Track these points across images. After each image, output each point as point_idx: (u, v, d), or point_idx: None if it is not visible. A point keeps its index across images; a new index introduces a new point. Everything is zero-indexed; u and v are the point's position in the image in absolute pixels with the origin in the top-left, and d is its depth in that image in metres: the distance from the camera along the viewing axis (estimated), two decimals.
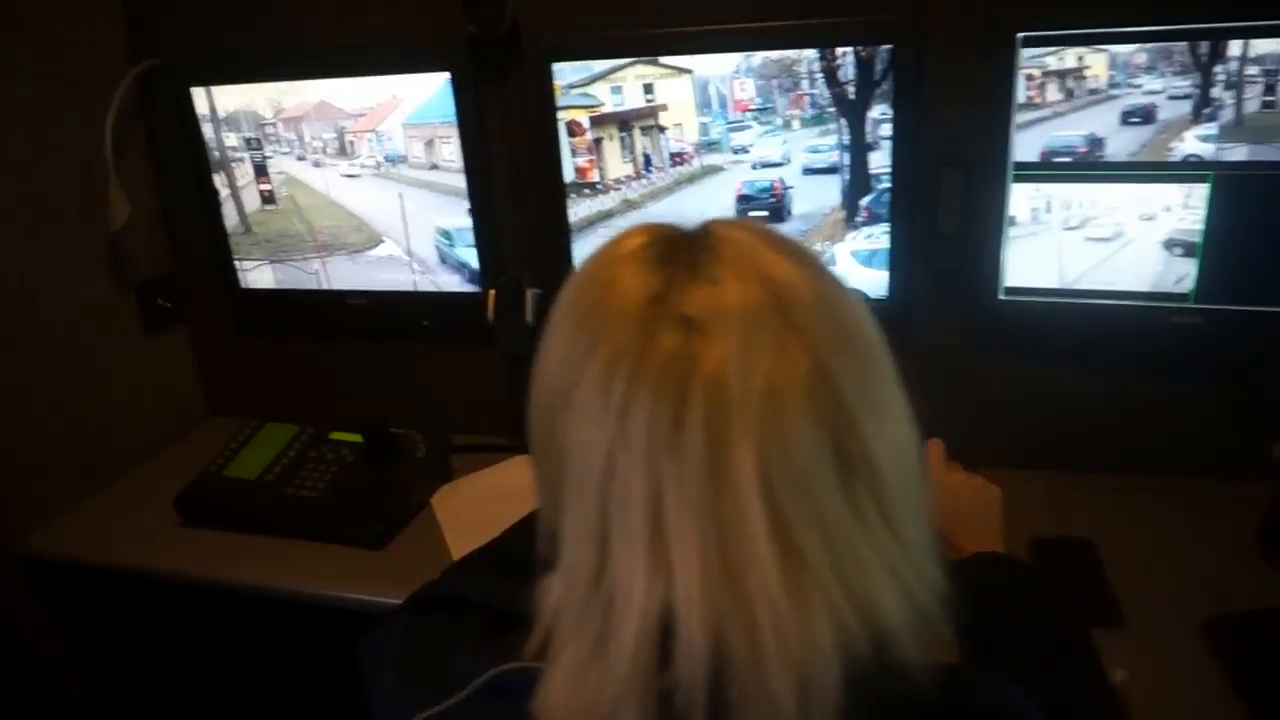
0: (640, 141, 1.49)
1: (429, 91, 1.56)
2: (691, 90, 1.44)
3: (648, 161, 1.50)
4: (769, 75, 1.41)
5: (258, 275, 1.78)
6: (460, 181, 1.59)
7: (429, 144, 1.59)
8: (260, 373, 1.88)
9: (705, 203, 1.49)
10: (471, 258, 1.63)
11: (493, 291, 1.57)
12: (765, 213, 1.47)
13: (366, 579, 1.41)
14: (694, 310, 0.55)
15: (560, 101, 1.48)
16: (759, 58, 1.39)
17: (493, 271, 1.61)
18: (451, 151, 1.58)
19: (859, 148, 1.43)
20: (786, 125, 1.43)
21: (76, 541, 1.58)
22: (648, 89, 1.45)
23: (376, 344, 1.78)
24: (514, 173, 1.58)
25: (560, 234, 1.56)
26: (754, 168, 1.46)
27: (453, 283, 1.66)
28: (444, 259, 1.65)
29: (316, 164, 1.67)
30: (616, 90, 1.47)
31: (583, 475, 0.55)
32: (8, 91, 1.51)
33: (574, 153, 1.52)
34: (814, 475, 0.53)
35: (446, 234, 1.65)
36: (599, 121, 1.49)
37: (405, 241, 1.67)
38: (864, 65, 1.38)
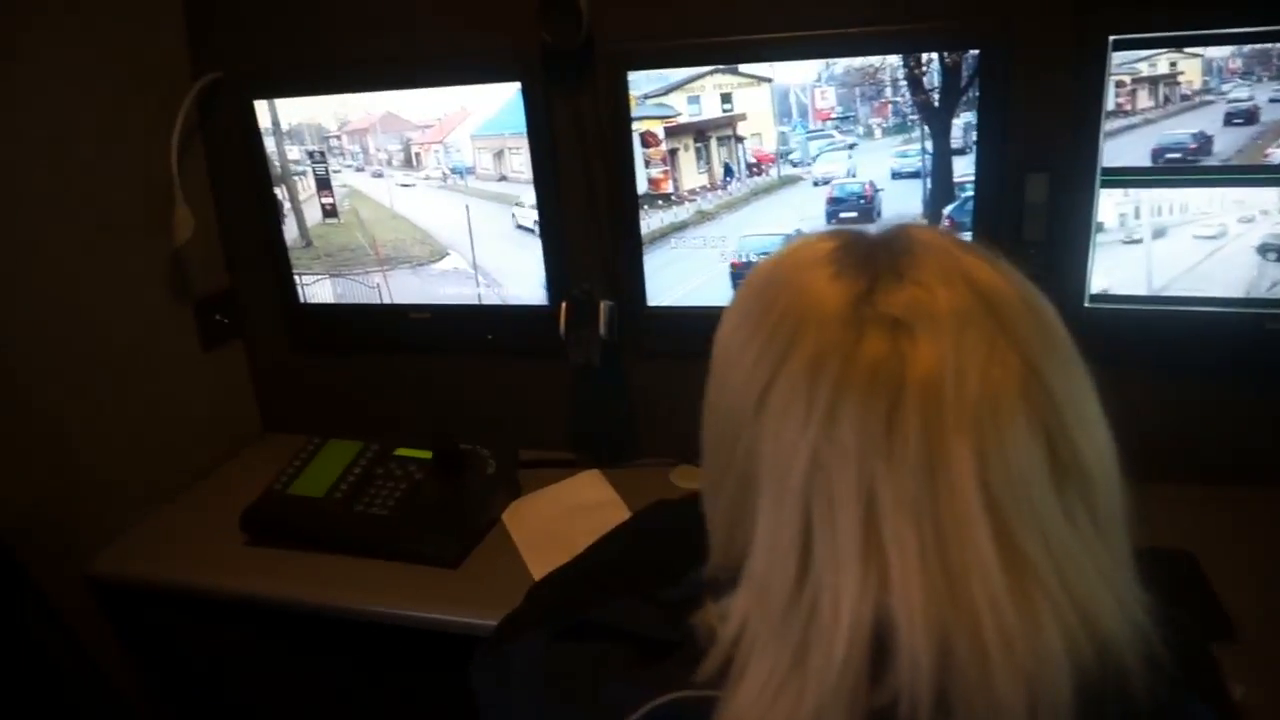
0: (717, 152, 1.48)
1: (498, 102, 1.56)
2: (771, 99, 1.43)
3: (728, 171, 1.50)
4: (851, 83, 1.40)
5: (317, 289, 1.78)
6: (529, 193, 1.59)
7: (498, 155, 1.60)
8: (317, 388, 1.87)
9: (784, 214, 1.49)
10: None
11: (565, 304, 1.56)
12: (855, 214, 1.47)
13: (443, 598, 1.40)
14: (901, 312, 0.55)
15: (634, 112, 1.48)
16: (841, 65, 1.39)
17: (560, 284, 1.61)
18: (521, 163, 1.58)
19: (943, 155, 1.43)
20: (868, 133, 1.42)
21: (142, 562, 1.57)
22: (725, 98, 1.45)
23: (438, 358, 1.77)
24: (585, 184, 1.57)
25: (632, 246, 1.56)
26: (815, 184, 1.46)
27: (519, 295, 1.66)
28: None
29: (380, 176, 1.67)
30: (694, 100, 1.46)
31: (782, 479, 0.55)
32: (73, 105, 1.52)
33: (648, 164, 1.51)
34: (1031, 478, 0.53)
35: None
36: (674, 132, 1.49)
37: (471, 254, 1.67)
38: (950, 71, 1.38)
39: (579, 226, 1.60)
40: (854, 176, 1.45)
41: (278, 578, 1.49)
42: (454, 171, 1.63)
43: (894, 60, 1.37)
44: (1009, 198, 1.42)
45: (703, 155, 1.49)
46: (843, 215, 1.47)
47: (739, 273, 1.53)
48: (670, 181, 1.52)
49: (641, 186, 1.53)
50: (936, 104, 1.39)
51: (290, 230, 1.75)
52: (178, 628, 1.66)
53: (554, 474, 1.66)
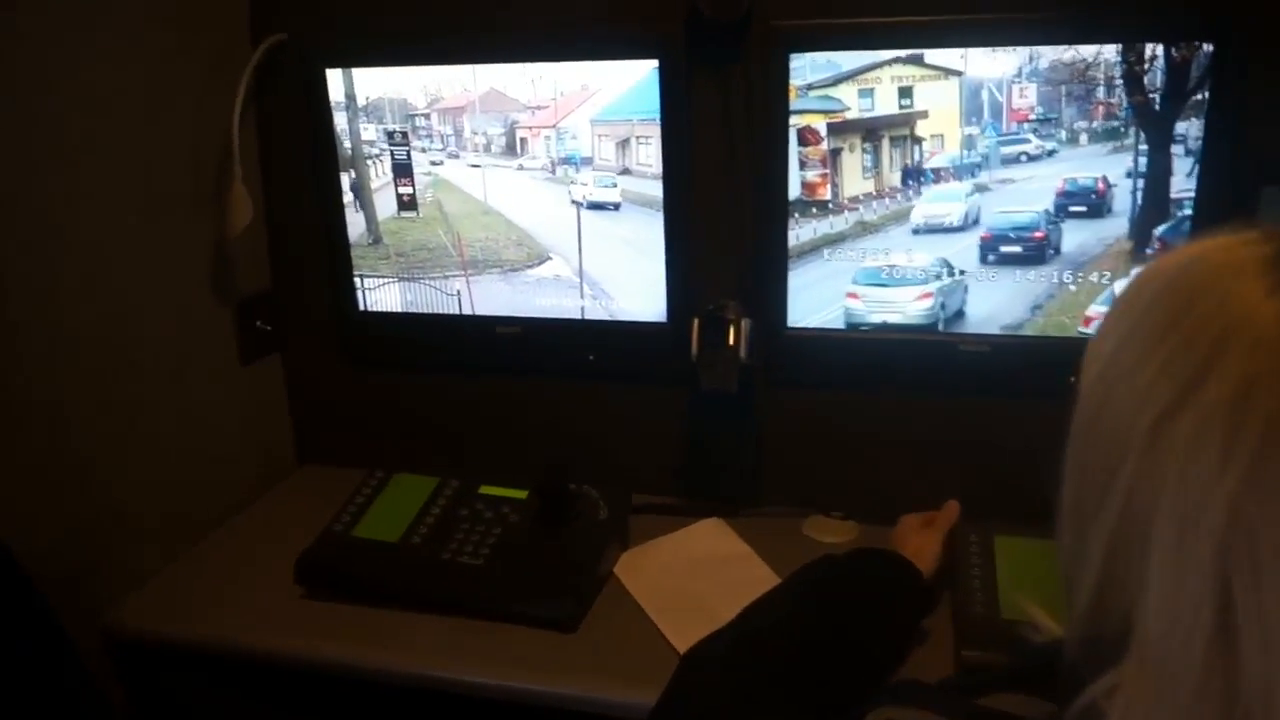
0: (889, 154, 1.39)
1: (628, 82, 1.45)
2: (958, 96, 1.33)
3: (907, 176, 1.39)
4: (1057, 80, 1.30)
5: (382, 295, 1.65)
6: (656, 189, 1.48)
7: (622, 144, 1.48)
8: (372, 413, 1.76)
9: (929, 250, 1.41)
10: None
11: (698, 320, 1.45)
12: (1084, 208, 1.36)
13: (560, 666, 1.24)
14: None
15: (794, 104, 1.38)
16: (1046, 59, 1.29)
17: (682, 298, 1.51)
18: (650, 154, 1.47)
19: (1159, 167, 1.31)
20: (1072, 139, 1.32)
21: (173, 616, 1.38)
22: (904, 93, 1.35)
23: (527, 381, 1.67)
24: (726, 182, 1.48)
25: (776, 257, 1.46)
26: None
27: (632, 309, 1.55)
28: None
29: (475, 164, 1.56)
30: (866, 93, 1.37)
31: (1185, 533, 0.51)
32: (114, 67, 1.34)
33: (803, 165, 1.41)
34: None
35: None
36: (839, 130, 1.39)
37: (577, 259, 1.55)
38: (1176, 69, 1.28)
39: (714, 232, 1.51)
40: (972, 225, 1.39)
41: (349, 640, 1.31)
42: (566, 161, 1.52)
43: (1110, 54, 1.28)
44: (1238, 216, 1.31)
45: (871, 157, 1.40)
46: (1072, 209, 1.36)
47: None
48: (829, 186, 1.42)
49: (794, 191, 1.42)
50: (1157, 107, 1.29)
51: (356, 224, 1.62)
52: (216, 697, 1.47)
53: (665, 522, 1.56)
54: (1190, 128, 1.29)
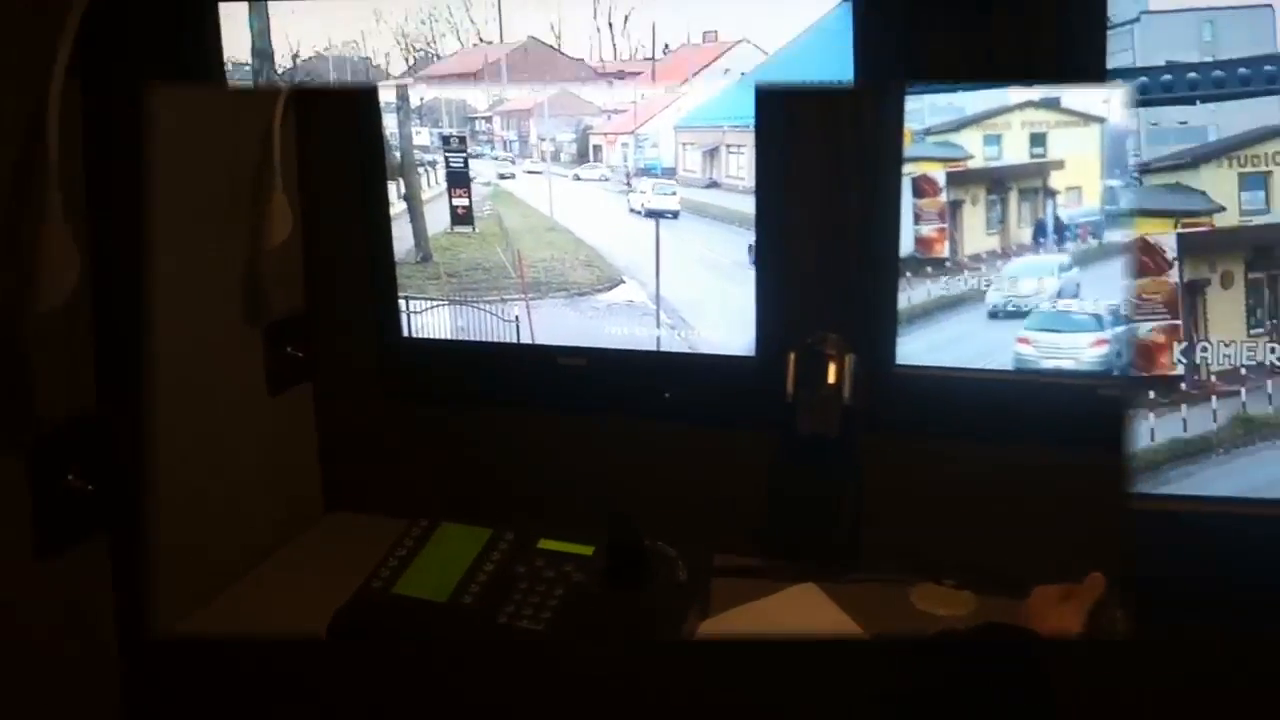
0: (1017, 208, 1.39)
1: (790, 29, 1.41)
2: (1099, 144, 1.33)
3: (1040, 231, 1.38)
4: None
5: (430, 320, 1.68)
6: (748, 205, 1.49)
7: (710, 154, 1.51)
8: (413, 453, 1.77)
9: (1104, 292, 1.35)
10: None
11: (794, 354, 1.48)
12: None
13: None
14: None
15: (909, 151, 1.40)
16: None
17: (775, 329, 1.53)
18: (742, 166, 1.49)
19: None
20: None
21: (199, 679, 1.39)
22: (1037, 140, 1.36)
23: (593, 420, 1.68)
24: (827, 197, 1.50)
25: (885, 282, 1.47)
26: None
27: (716, 341, 1.56)
28: None
29: (541, 174, 1.59)
30: (992, 140, 1.37)
31: None
32: None
33: (918, 218, 1.42)
34: None
35: None
36: (961, 180, 1.40)
37: (654, 283, 1.57)
38: None
39: (811, 254, 1.53)
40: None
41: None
42: (644, 172, 1.55)
43: None
44: None
45: (997, 211, 1.40)
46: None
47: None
48: (946, 243, 1.42)
49: (906, 246, 1.43)
50: None
51: (403, 238, 1.65)
52: None
53: (752, 586, 1.54)
54: None
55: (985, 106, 1.35)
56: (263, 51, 1.35)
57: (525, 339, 1.64)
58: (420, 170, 1.61)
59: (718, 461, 1.64)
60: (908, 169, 1.39)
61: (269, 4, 1.22)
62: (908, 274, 1.43)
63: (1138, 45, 1.05)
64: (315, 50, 1.39)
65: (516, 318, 1.64)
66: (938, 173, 1.39)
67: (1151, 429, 1.11)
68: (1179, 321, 1.10)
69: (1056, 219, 1.36)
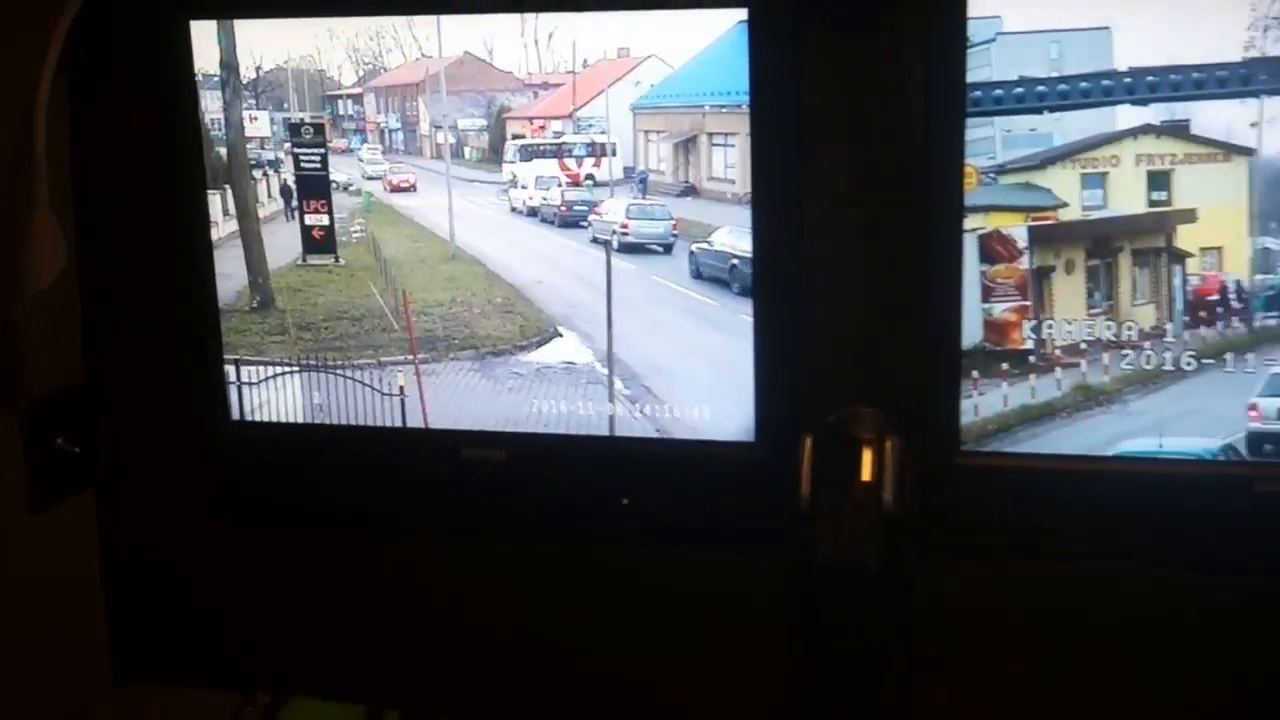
0: (1132, 277, 1.39)
1: (694, 47, 1.45)
2: (1247, 186, 1.33)
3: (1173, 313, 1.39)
4: None
5: (273, 394, 1.65)
6: (742, 216, 1.46)
7: (684, 147, 1.50)
8: (247, 596, 1.74)
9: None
10: None
11: (809, 440, 1.42)
12: None
13: None
14: None
15: (975, 198, 1.40)
16: None
17: (784, 401, 1.49)
18: (732, 163, 1.47)
19: None
20: None
21: None
22: (1157, 181, 1.36)
23: (514, 543, 1.66)
24: (859, 211, 1.48)
25: (946, 329, 1.45)
26: None
27: (697, 420, 1.51)
28: None
29: (434, 179, 1.59)
30: (1094, 181, 1.38)
31: None
32: None
33: (989, 293, 1.43)
34: None
35: None
36: (1048, 237, 1.41)
37: (605, 336, 1.55)
38: None
39: (836, 296, 1.51)
40: None
41: None
42: (589, 177, 1.56)
43: None
44: None
45: (1101, 282, 1.41)
46: None
47: None
48: (1028, 328, 1.43)
49: (972, 334, 1.43)
50: None
51: (231, 275, 1.63)
52: None
53: None
54: None
55: (1083, 133, 1.38)
56: (229, 64, 1.56)
57: (415, 421, 1.63)
58: (256, 173, 1.60)
59: (704, 600, 1.61)
60: (974, 224, 1.42)
61: (235, 22, 1.54)
62: (975, 371, 1.45)
63: (994, 62, 1.36)
64: (276, 63, 1.56)
65: (402, 389, 1.62)
66: (1017, 229, 1.43)
67: (1005, 396, 1.44)
68: (1029, 302, 1.43)
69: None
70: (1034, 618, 1.49)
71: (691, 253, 1.49)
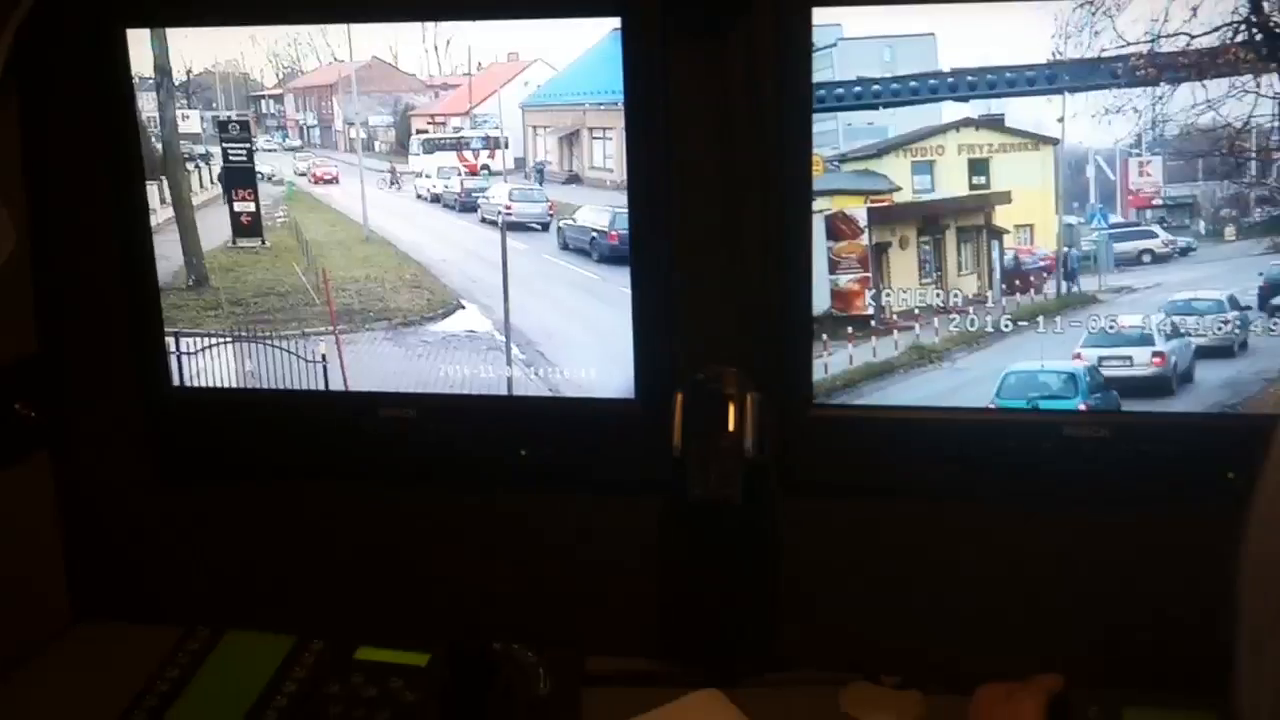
0: (957, 251, 1.47)
1: (577, 49, 1.48)
2: (1053, 172, 1.42)
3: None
4: (1192, 152, 1.38)
5: (209, 363, 1.67)
6: (619, 200, 1.51)
7: (569, 140, 1.53)
8: (189, 541, 1.75)
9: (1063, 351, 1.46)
10: None
11: (680, 396, 1.47)
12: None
13: None
14: None
15: (821, 183, 1.46)
16: (1176, 123, 1.37)
17: (659, 363, 1.54)
18: (610, 154, 1.51)
19: None
20: (1214, 233, 1.40)
21: None
22: (978, 167, 1.43)
23: (430, 491, 1.67)
24: (723, 193, 1.51)
25: (798, 296, 1.50)
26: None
27: (584, 380, 1.57)
28: None
29: (349, 170, 1.61)
30: (923, 168, 1.45)
31: None
32: None
33: (834, 266, 1.49)
34: None
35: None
36: (886, 217, 1.47)
37: (502, 308, 1.58)
38: None
39: (703, 267, 1.54)
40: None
41: None
42: (485, 167, 1.58)
43: (1265, 117, 1.34)
44: None
45: (931, 256, 1.48)
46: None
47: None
48: (869, 296, 1.50)
49: (821, 302, 1.49)
50: None
51: (169, 257, 1.64)
52: None
53: (637, 696, 1.54)
54: None
55: (913, 126, 1.44)
56: (163, 68, 1.58)
57: (336, 385, 1.64)
58: (189, 166, 1.61)
59: (591, 537, 1.64)
60: (821, 205, 1.47)
61: (167, 31, 1.56)
62: (824, 336, 1.51)
63: (836, 64, 1.42)
64: (204, 67, 1.59)
65: (323, 357, 1.64)
66: (858, 210, 1.48)
67: (850, 356, 1.51)
68: (869, 274, 1.49)
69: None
70: (880, 548, 1.55)
71: (559, 228, 1.52)
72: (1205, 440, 1.39)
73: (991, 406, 1.47)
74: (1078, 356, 1.43)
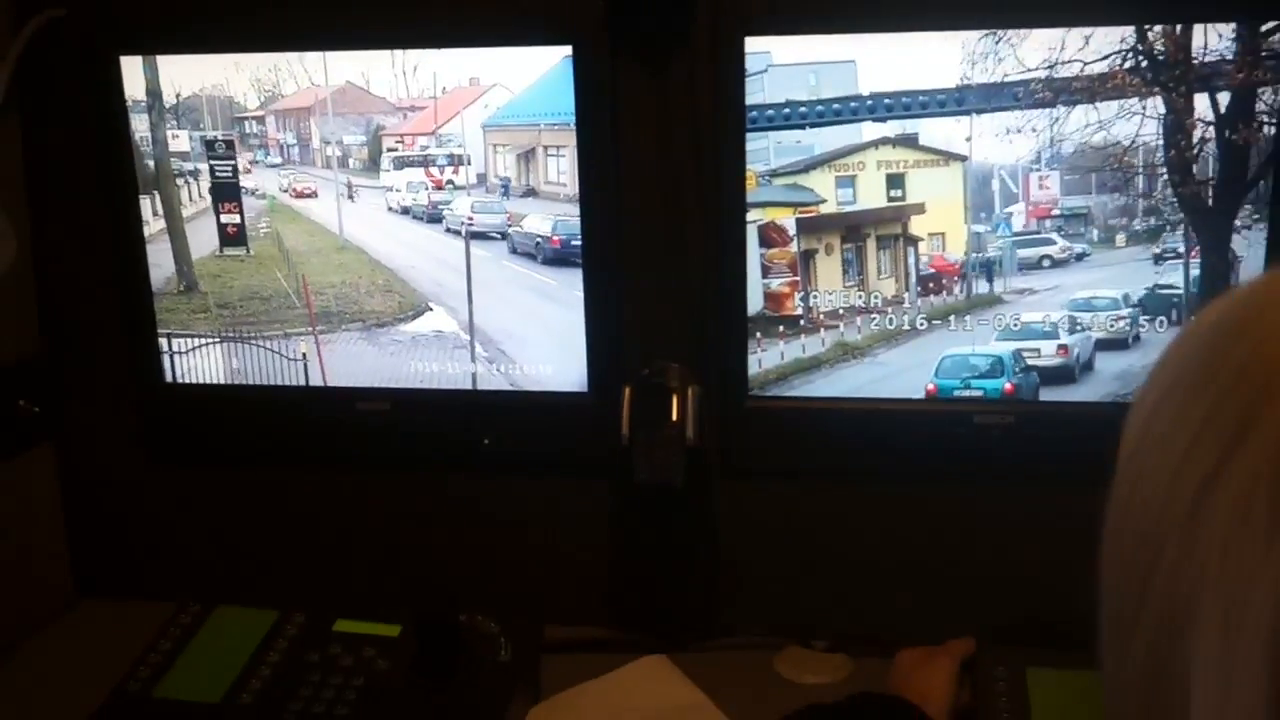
0: (876, 258, 1.49)
1: (532, 75, 1.50)
2: (962, 185, 1.45)
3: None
4: (1085, 167, 1.42)
5: (199, 361, 1.67)
6: (571, 211, 1.54)
7: (525, 157, 1.54)
8: (182, 524, 1.76)
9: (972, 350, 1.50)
10: None
11: (629, 389, 1.49)
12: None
13: None
14: None
15: (754, 196, 1.48)
16: (1072, 142, 1.41)
17: (609, 360, 1.56)
18: (563, 170, 1.53)
19: (1214, 275, 1.41)
20: (1106, 239, 1.44)
21: None
22: (894, 182, 1.46)
23: (401, 475, 1.69)
24: (667, 207, 1.54)
25: (734, 298, 1.53)
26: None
27: (542, 376, 1.59)
28: None
29: (326, 184, 1.60)
30: (845, 182, 1.47)
31: (1230, 622, 0.53)
32: None
33: (766, 271, 1.51)
34: None
35: None
36: (813, 227, 1.49)
37: (466, 310, 1.60)
38: (1235, 153, 1.36)
39: (649, 272, 1.57)
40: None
41: None
42: (451, 181, 1.59)
43: (1150, 136, 1.39)
44: None
45: (853, 262, 1.50)
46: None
47: None
48: (798, 298, 1.51)
49: (755, 303, 1.52)
50: (1210, 202, 1.40)
51: (161, 265, 1.64)
52: None
53: (590, 662, 1.57)
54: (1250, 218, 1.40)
55: (836, 145, 1.46)
56: (154, 91, 1.57)
57: (315, 381, 1.65)
58: (179, 182, 1.61)
59: (548, 518, 1.66)
60: (754, 216, 1.49)
61: (158, 58, 1.55)
62: (758, 334, 1.53)
63: (766, 88, 1.44)
64: (193, 91, 1.57)
65: (304, 355, 1.64)
66: (787, 220, 1.50)
67: (782, 352, 1.53)
68: (798, 278, 1.51)
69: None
70: (810, 525, 1.58)
71: (509, 234, 1.53)
72: (1096, 426, 1.41)
73: (914, 397, 1.49)
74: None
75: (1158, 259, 1.42)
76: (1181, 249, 1.41)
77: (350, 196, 1.59)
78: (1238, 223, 1.39)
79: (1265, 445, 0.53)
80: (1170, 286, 1.43)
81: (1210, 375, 0.57)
